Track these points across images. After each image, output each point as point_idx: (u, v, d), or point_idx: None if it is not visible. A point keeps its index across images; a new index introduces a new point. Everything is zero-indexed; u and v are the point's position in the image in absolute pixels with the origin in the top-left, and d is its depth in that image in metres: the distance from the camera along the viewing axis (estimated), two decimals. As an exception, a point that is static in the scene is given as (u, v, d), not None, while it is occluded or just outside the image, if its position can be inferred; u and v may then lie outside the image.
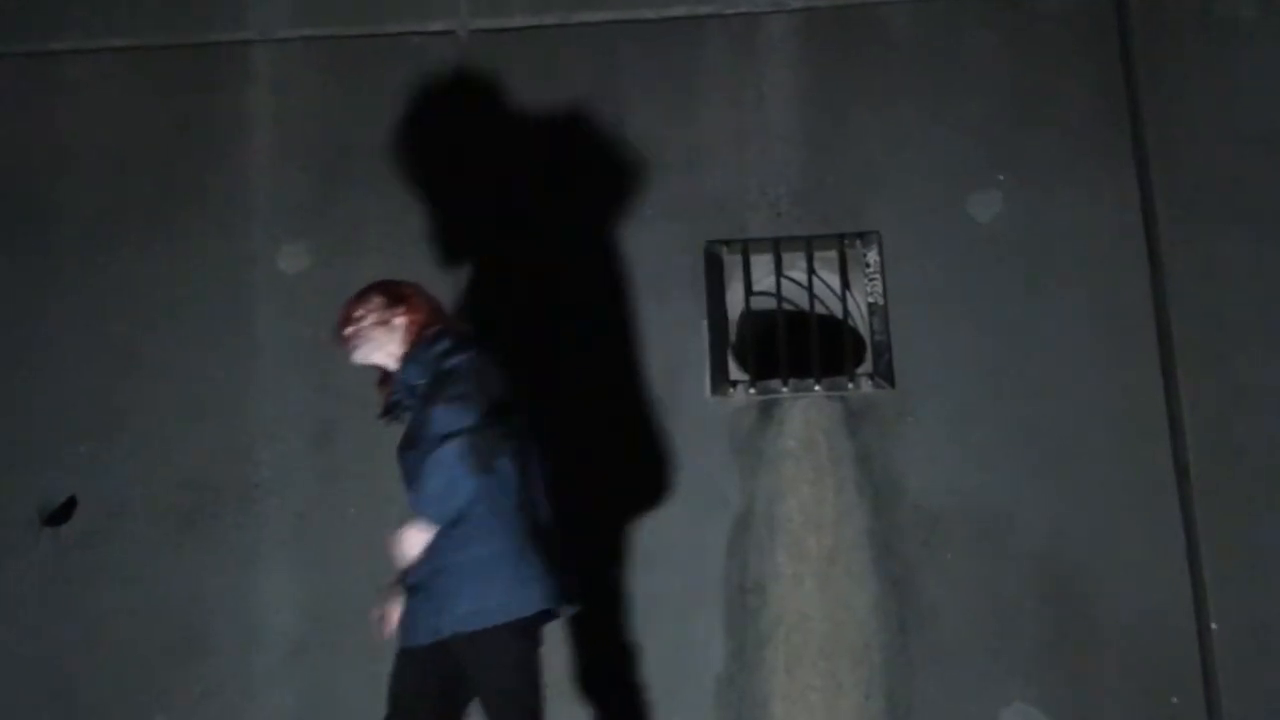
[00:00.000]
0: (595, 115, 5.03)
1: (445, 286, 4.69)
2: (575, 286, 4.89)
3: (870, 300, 4.91)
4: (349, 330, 3.95)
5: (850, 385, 4.84)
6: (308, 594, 4.67)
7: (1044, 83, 5.01)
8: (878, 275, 4.89)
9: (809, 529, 4.67)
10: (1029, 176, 4.94)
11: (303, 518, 4.78)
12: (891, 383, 4.82)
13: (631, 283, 4.91)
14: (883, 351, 4.85)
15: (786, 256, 5.00)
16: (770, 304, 4.99)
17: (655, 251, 4.94)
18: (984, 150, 4.96)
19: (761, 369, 4.89)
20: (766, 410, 4.82)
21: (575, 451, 4.43)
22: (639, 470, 4.73)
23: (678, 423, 4.79)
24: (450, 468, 3.58)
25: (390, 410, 3.93)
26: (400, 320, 3.94)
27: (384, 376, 4.00)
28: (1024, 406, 4.75)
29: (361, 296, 3.99)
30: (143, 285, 5.00)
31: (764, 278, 5.01)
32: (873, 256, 4.92)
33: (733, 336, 4.95)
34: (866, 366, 4.88)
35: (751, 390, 4.85)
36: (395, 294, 3.98)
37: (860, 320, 4.99)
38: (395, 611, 3.79)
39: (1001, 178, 4.92)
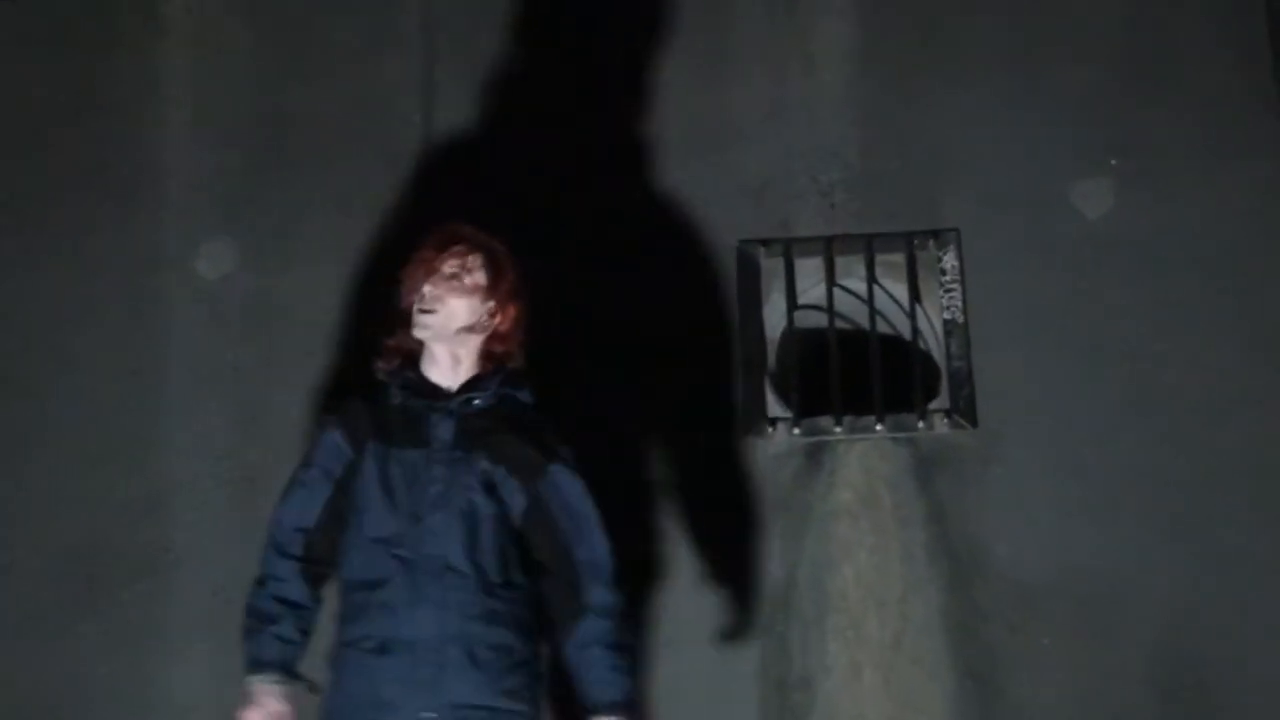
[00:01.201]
0: (605, 82, 5.13)
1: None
2: (574, 298, 4.89)
3: (946, 316, 4.94)
4: (462, 283, 3.90)
5: (921, 424, 4.86)
6: (227, 688, 4.37)
7: (1169, 48, 5.11)
8: (956, 284, 4.92)
9: (868, 607, 4.73)
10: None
11: (222, 592, 4.71)
12: (973, 421, 4.84)
13: (644, 292, 4.94)
14: (962, 382, 4.87)
15: (841, 260, 5.03)
16: (820, 320, 5.04)
17: (675, 252, 5.01)
18: (1092, 129, 5.03)
19: (808, 403, 4.92)
20: (815, 456, 4.85)
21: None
22: (652, 532, 4.76)
23: (701, 472, 4.83)
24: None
25: (422, 391, 3.91)
26: (492, 321, 3.93)
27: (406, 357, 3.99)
28: (1144, 453, 4.81)
29: (493, 251, 3.96)
30: (26, 294, 5.09)
31: (812, 287, 5.04)
32: (950, 260, 4.96)
33: (772, 362, 5.01)
34: (941, 400, 4.91)
35: (796, 431, 4.86)
36: (514, 286, 3.98)
37: (934, 342, 5.03)
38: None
39: (1114, 163, 5.00)
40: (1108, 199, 4.93)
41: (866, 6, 5.15)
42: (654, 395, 4.82)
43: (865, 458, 4.82)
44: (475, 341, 3.92)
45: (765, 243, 4.97)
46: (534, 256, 4.65)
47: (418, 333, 3.88)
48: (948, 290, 4.92)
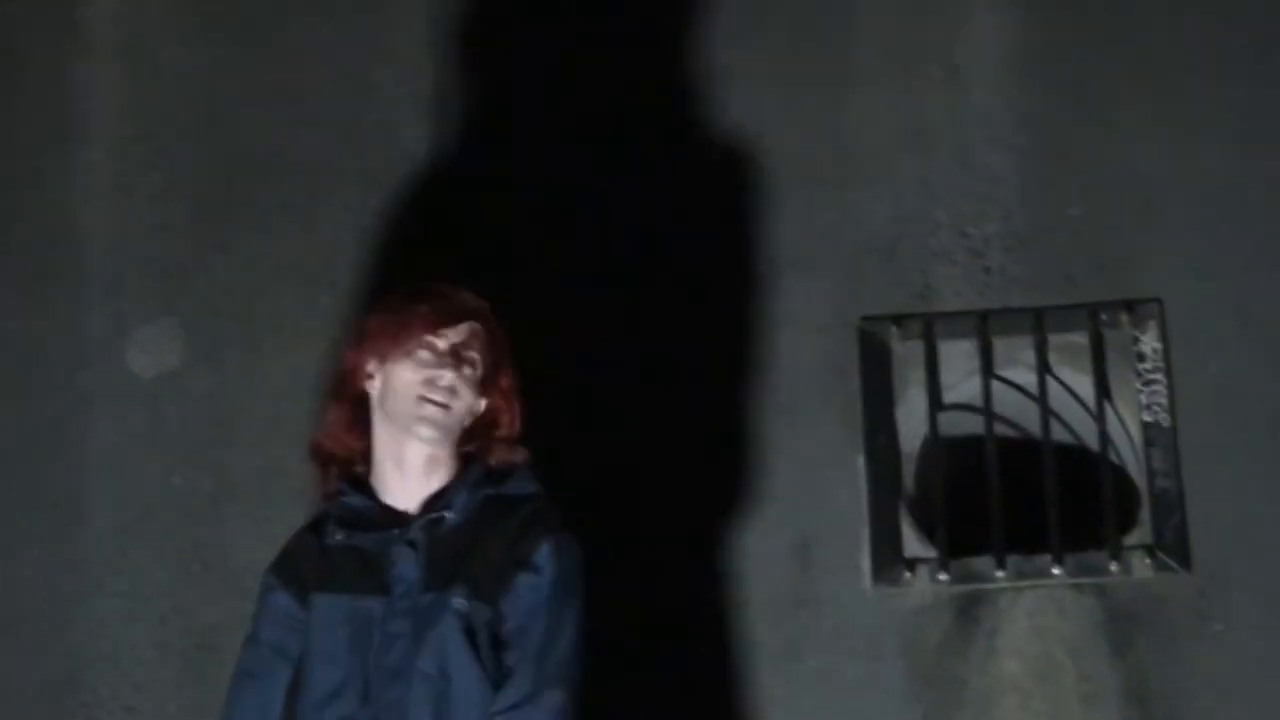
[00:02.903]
0: (668, 91, 5.07)
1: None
2: (626, 400, 4.83)
3: (1147, 418, 4.76)
4: (469, 372, 3.84)
5: (1114, 567, 4.65)
6: None
7: None
8: (1160, 374, 4.77)
9: (1046, 812, 4.74)
10: None
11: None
12: (1186, 562, 4.63)
13: (730, 389, 4.83)
14: (1170, 508, 4.68)
15: (1001, 342, 4.90)
16: (974, 425, 4.88)
17: (775, 334, 4.88)
18: None
19: (960, 540, 4.77)
20: (969, 610, 4.69)
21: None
22: (757, 710, 4.62)
23: (816, 629, 4.69)
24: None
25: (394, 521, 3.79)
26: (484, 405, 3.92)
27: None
28: None
29: (489, 317, 3.94)
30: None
31: (963, 380, 4.92)
32: (1151, 343, 4.81)
33: (909, 483, 4.86)
34: (1142, 534, 4.71)
35: (943, 576, 4.71)
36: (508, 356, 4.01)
37: (1130, 453, 4.87)
38: None
39: (1378, 214, 5.03)
40: None
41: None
42: (746, 531, 4.69)
43: (1038, 613, 4.65)
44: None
45: (898, 319, 4.84)
46: (562, 348, 4.78)
47: (424, 434, 3.76)
48: (1148, 383, 4.77)
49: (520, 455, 3.92)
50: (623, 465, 4.82)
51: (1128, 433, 4.85)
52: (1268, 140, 4.89)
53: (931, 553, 4.73)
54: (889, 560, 4.71)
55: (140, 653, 4.75)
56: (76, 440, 4.93)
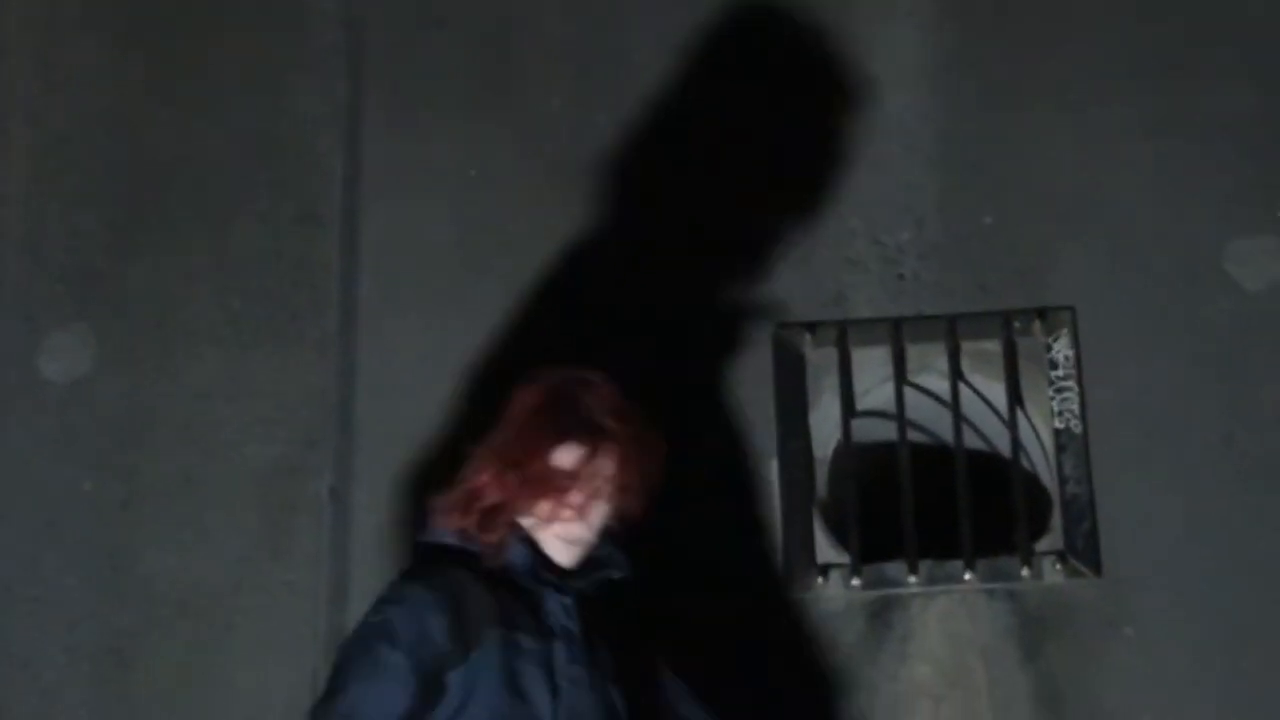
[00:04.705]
0: (588, 109, 5.07)
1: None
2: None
3: (1059, 425, 4.83)
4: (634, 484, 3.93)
5: (1025, 572, 4.72)
6: None
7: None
8: (1072, 381, 4.83)
9: (958, 824, 4.85)
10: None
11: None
12: (1097, 568, 4.68)
13: (645, 393, 4.43)
14: (1081, 514, 4.74)
15: (914, 349, 4.95)
16: (887, 431, 4.96)
17: (687, 342, 4.92)
18: (1255, 172, 4.93)
19: (873, 545, 4.82)
20: (881, 616, 4.74)
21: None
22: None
23: (727, 641, 4.67)
24: None
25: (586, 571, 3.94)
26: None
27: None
28: (1333, 612, 4.85)
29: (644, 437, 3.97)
30: None
31: (876, 386, 4.99)
32: (1063, 350, 4.85)
33: (822, 489, 4.92)
34: (1054, 540, 4.77)
35: (855, 582, 4.76)
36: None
37: (1041, 460, 4.95)
38: None
39: (1287, 217, 5.14)
40: (1275, 266, 4.82)
41: (947, 6, 5.07)
42: (658, 539, 4.34)
43: (950, 618, 4.71)
44: None
45: (812, 327, 4.87)
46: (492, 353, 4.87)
47: (568, 541, 3.85)
48: (1060, 390, 4.84)
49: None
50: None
51: (1039, 439, 4.90)
52: (1179, 151, 4.92)
53: (844, 558, 4.74)
54: (802, 565, 4.71)
55: (51, 658, 4.73)
56: (-23, 453, 5.15)
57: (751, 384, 4.83)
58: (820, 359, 4.89)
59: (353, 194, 5.15)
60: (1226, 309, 4.81)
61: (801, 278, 4.91)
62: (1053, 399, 4.83)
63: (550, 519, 3.87)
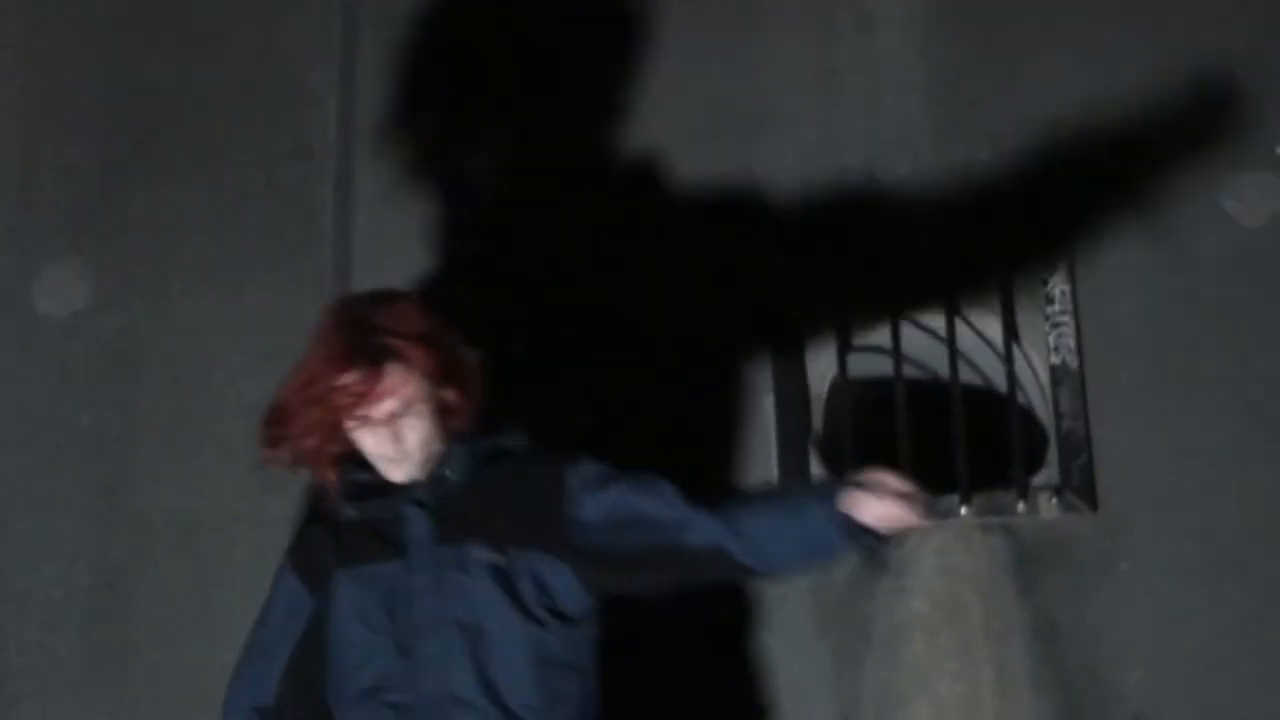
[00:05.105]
0: (586, 53, 5.10)
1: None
2: (558, 329, 4.86)
3: (1055, 360, 4.82)
4: (415, 412, 3.83)
5: (1021, 507, 4.72)
6: None
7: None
8: (1068, 318, 4.81)
9: (952, 751, 4.85)
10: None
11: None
12: (1092, 503, 4.69)
13: (641, 331, 4.86)
14: (1076, 449, 4.74)
15: None
16: (882, 366, 4.96)
17: (686, 277, 4.92)
18: (1255, 108, 4.87)
19: None
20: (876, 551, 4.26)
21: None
22: (662, 655, 4.62)
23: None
24: None
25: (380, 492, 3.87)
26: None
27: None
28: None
29: (424, 337, 3.89)
30: None
31: None
32: (1059, 286, 4.85)
33: (818, 424, 4.96)
34: (1049, 475, 4.80)
35: None
36: (455, 356, 3.97)
37: (1037, 395, 4.97)
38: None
39: (1283, 153, 5.08)
40: (1273, 201, 4.80)
41: (942, -57, 5.21)
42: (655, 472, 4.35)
43: (946, 553, 4.70)
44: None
45: None
46: (482, 286, 4.90)
47: (386, 459, 3.82)
48: (1056, 326, 4.83)
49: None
50: (542, 416, 4.47)
51: (1036, 375, 4.93)
52: (1176, 83, 4.89)
53: (840, 494, 4.89)
54: (798, 501, 4.87)
55: (47, 591, 4.77)
56: (-26, 390, 5.15)
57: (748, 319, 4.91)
58: (817, 295, 5.03)
59: (348, 129, 5.19)
60: (1224, 245, 4.82)
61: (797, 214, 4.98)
62: (1048, 334, 4.83)
63: (361, 440, 3.84)
